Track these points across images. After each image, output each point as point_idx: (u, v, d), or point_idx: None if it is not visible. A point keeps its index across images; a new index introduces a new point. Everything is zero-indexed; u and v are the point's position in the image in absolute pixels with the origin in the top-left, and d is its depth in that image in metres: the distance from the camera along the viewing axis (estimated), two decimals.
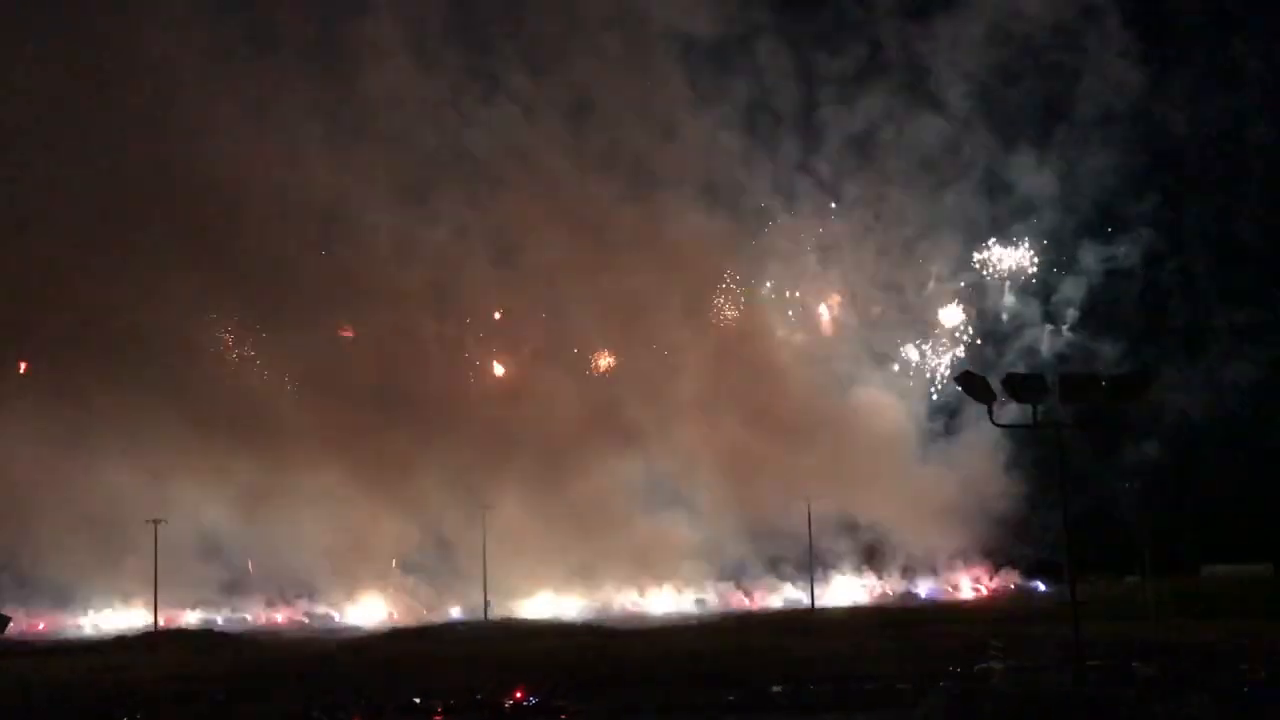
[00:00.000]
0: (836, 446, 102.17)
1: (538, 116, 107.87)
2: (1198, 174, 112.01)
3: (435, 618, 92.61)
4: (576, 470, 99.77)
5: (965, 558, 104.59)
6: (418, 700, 43.67)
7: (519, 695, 43.58)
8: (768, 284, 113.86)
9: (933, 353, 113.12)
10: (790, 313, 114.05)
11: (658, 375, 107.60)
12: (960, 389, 42.41)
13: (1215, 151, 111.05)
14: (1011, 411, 40.39)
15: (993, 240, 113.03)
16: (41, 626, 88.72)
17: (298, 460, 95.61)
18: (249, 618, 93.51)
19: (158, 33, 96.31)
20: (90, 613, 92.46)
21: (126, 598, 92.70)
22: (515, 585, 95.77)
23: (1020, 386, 37.51)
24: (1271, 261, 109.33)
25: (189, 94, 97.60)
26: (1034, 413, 37.06)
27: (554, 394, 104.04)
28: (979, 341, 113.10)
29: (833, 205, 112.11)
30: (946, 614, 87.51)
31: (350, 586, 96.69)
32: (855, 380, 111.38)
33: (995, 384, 37.86)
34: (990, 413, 38.15)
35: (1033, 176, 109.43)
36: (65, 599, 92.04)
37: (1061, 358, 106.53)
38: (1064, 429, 37.46)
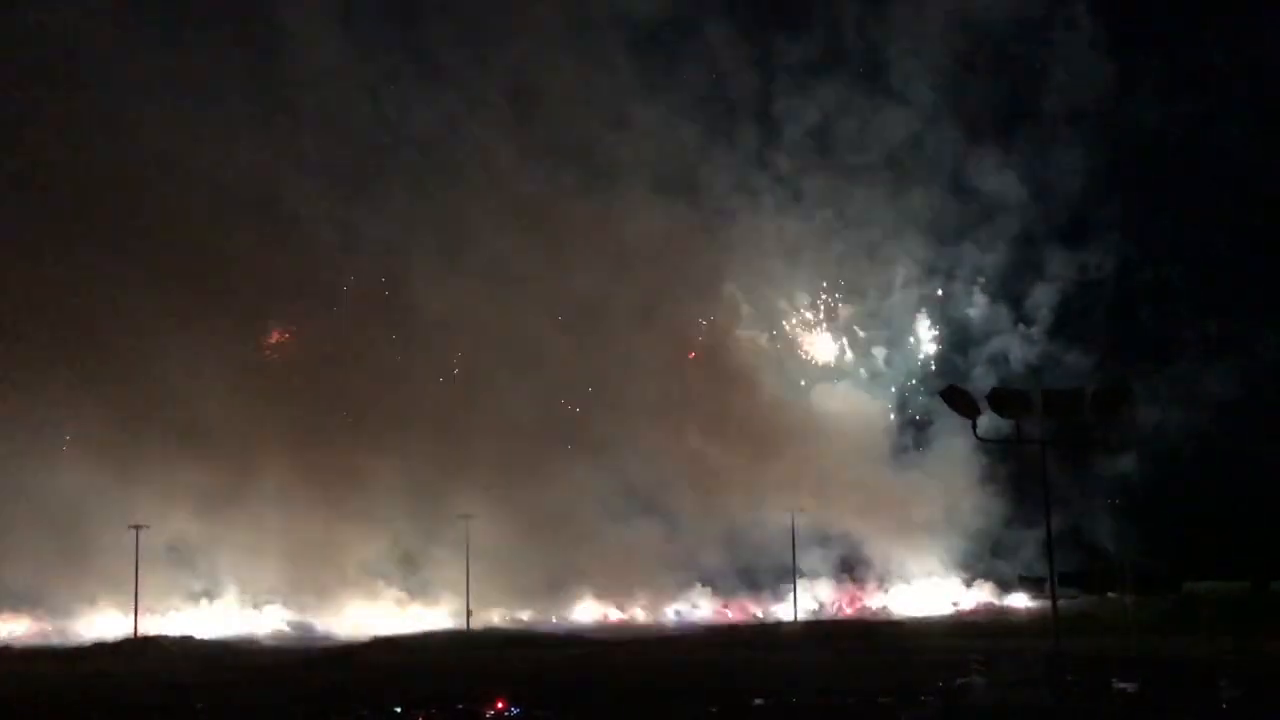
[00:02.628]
0: (804, 457, 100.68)
1: (480, 103, 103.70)
2: (1169, 177, 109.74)
3: (414, 627, 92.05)
4: (542, 478, 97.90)
5: (943, 572, 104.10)
6: (399, 709, 43.48)
7: (500, 705, 43.44)
8: (730, 285, 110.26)
9: (901, 360, 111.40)
10: (754, 315, 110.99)
11: (617, 380, 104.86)
12: (931, 399, 42.70)
13: (1187, 154, 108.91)
14: (982, 423, 40.36)
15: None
16: (22, 632, 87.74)
17: (262, 467, 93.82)
18: (227, 625, 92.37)
19: (67, 8, 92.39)
20: (59, 618, 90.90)
21: (92, 603, 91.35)
22: (494, 595, 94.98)
23: (1004, 402, 37.72)
24: (1244, 270, 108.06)
25: (107, 79, 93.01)
26: (1017, 428, 37.28)
27: (514, 399, 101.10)
28: (946, 348, 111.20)
29: (795, 203, 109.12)
30: (926, 628, 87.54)
31: (326, 595, 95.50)
32: (822, 388, 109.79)
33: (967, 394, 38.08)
34: (974, 427, 38.30)
35: (999, 178, 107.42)
36: (28, 604, 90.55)
37: (1032, 368, 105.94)
38: (1047, 444, 37.62)
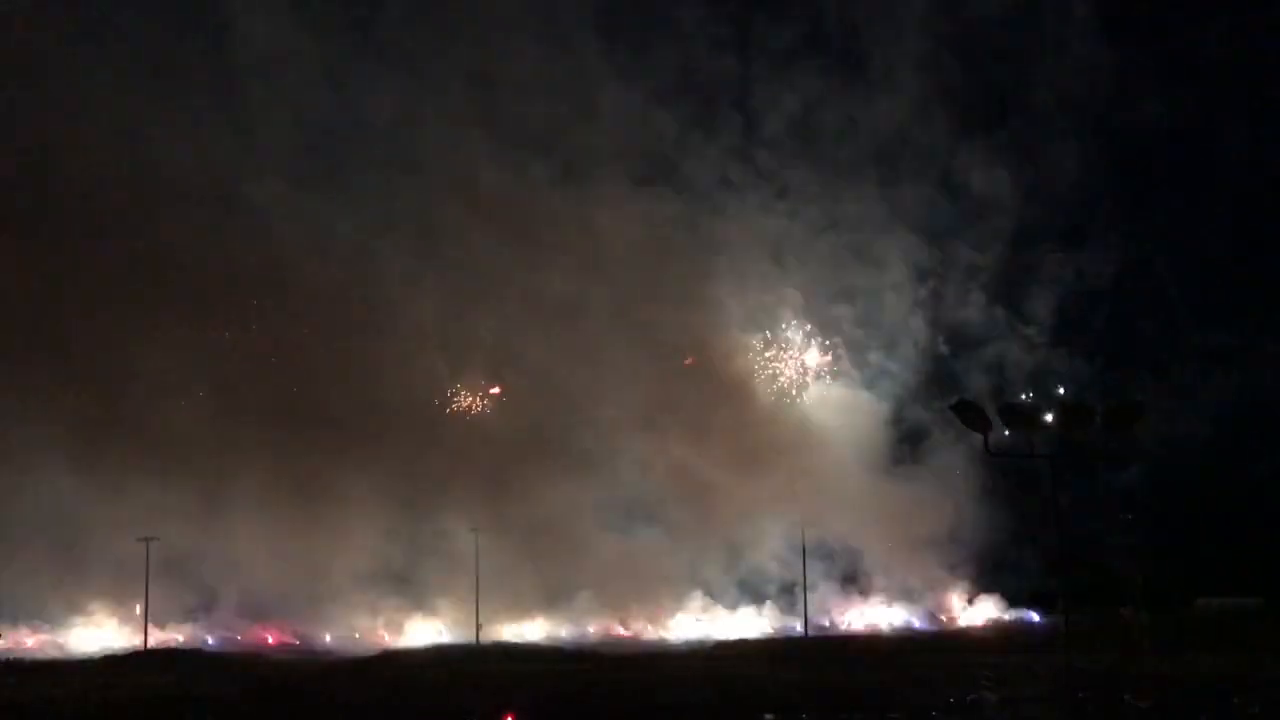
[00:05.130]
0: (801, 468, 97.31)
1: (439, 90, 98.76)
2: (1169, 175, 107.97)
3: (419, 641, 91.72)
4: (533, 490, 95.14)
5: (949, 586, 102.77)
6: None
7: (509, 719, 43.49)
8: (715, 285, 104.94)
9: (897, 365, 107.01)
10: (743, 318, 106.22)
11: (600, 388, 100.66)
12: (929, 408, 42.55)
13: (1187, 151, 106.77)
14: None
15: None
16: (31, 643, 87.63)
17: (254, 479, 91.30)
18: (229, 638, 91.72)
19: None
20: (56, 631, 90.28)
21: (89, 616, 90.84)
22: (491, 609, 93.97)
23: (1015, 416, 37.58)
24: (1247, 277, 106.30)
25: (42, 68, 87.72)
26: (1030, 443, 37.12)
27: (495, 407, 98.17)
28: (943, 353, 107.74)
29: (780, 199, 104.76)
30: (934, 643, 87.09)
31: (326, 609, 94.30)
32: (817, 395, 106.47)
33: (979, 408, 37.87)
34: (986, 442, 38.08)
35: (991, 175, 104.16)
36: (25, 617, 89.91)
37: (1033, 376, 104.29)
38: (1058, 459, 37.43)
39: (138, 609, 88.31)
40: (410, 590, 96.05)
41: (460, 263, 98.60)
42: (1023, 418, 37.11)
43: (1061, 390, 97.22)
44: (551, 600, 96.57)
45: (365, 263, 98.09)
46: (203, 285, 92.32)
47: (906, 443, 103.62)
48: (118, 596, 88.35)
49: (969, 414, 38.46)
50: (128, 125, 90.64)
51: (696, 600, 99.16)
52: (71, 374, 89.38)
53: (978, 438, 38.01)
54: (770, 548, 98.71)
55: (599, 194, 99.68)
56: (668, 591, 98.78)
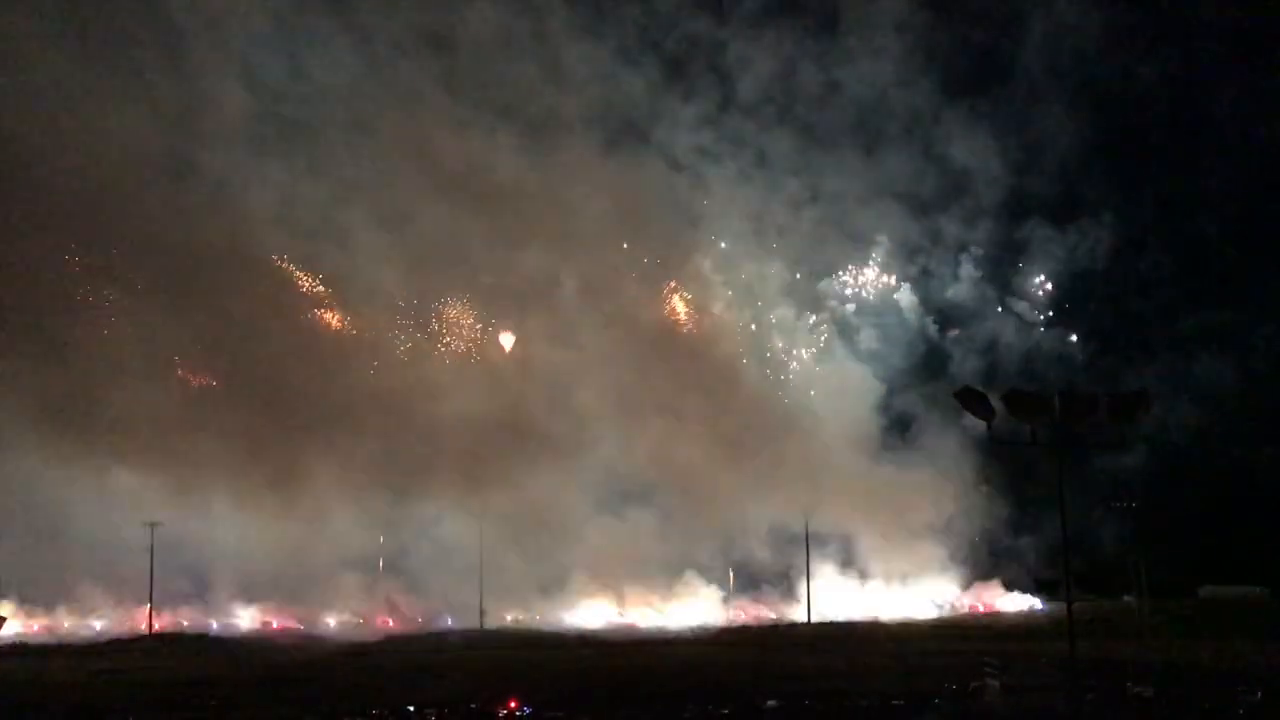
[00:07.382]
0: (787, 451, 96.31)
1: (398, 53, 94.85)
2: (1163, 148, 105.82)
3: (426, 626, 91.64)
4: (520, 476, 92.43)
5: (948, 573, 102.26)
6: (412, 708, 43.62)
7: (513, 704, 43.60)
8: (696, 259, 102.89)
9: (886, 345, 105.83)
10: (727, 294, 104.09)
11: (576, 368, 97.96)
12: (919, 390, 42.27)
13: (1183, 120, 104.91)
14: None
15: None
16: (36, 628, 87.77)
17: (248, 465, 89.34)
18: (230, 624, 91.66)
19: None
20: (43, 612, 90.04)
21: (82, 601, 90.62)
22: (496, 594, 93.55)
23: (1020, 405, 37.36)
24: (1242, 255, 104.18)
25: None
26: (1033, 433, 36.94)
27: (473, 392, 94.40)
28: (932, 326, 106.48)
29: (760, 169, 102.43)
30: (936, 630, 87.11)
31: (323, 595, 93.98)
32: (805, 376, 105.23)
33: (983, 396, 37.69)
34: (989, 429, 37.87)
35: (977, 147, 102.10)
36: (17, 601, 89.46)
37: (1027, 356, 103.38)
38: (1064, 448, 37.24)
39: (138, 594, 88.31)
40: (408, 577, 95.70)
41: (428, 237, 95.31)
42: (1027, 407, 36.87)
43: (1054, 372, 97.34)
44: (544, 586, 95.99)
45: (330, 237, 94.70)
46: (165, 262, 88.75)
47: (897, 425, 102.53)
48: (110, 581, 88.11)
49: (973, 401, 38.28)
50: (76, 97, 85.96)
51: (694, 585, 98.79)
52: (43, 356, 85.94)
53: (970, 421, 37.80)
54: (767, 534, 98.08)
55: (570, 161, 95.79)
56: (663, 577, 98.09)
